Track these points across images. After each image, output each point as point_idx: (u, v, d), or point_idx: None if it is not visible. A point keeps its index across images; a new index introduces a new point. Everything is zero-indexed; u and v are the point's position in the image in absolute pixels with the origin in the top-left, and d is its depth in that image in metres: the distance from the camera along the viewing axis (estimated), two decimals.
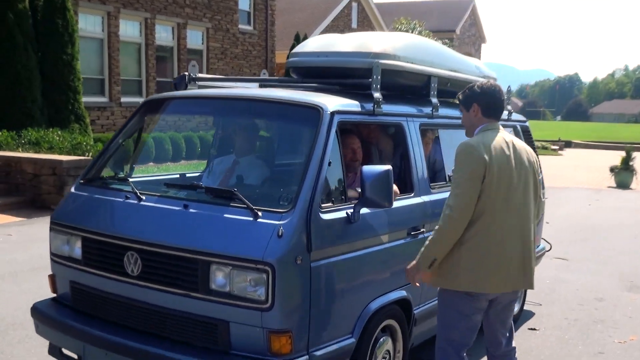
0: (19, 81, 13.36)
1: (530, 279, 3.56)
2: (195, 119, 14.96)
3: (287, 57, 4.66)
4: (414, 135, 4.57)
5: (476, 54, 41.72)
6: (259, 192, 3.96)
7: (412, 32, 26.16)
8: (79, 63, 15.06)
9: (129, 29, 18.74)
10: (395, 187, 4.16)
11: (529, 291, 6.78)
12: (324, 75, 4.51)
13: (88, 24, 17.54)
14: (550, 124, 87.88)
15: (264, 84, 4.95)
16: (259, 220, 3.34)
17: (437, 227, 3.43)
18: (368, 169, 3.72)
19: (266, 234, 3.24)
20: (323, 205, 3.52)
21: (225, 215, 3.45)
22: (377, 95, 4.21)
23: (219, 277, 3.29)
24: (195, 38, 21.88)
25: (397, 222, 4.18)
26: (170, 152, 16.20)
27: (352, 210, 3.71)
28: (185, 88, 4.68)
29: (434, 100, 4.79)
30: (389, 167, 3.72)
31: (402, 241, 4.21)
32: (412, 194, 4.48)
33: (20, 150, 12.12)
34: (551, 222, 12.29)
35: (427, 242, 3.52)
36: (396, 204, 3.97)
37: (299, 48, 4.63)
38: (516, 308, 6.10)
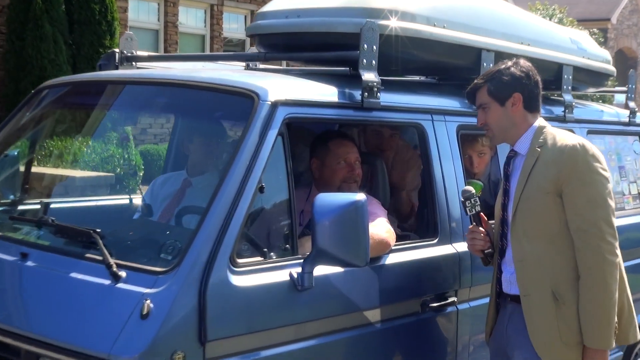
0: (45, 78, 13.05)
1: None
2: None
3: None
4: (444, 142, 3.42)
5: (639, 48, 38.75)
6: (150, 235, 2.97)
7: (549, 19, 24.21)
8: None
9: (191, 18, 18.32)
10: (385, 229, 3.03)
11: None
12: (297, 46, 3.40)
13: (141, 13, 17.22)
14: None
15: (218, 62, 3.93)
16: (119, 285, 2.46)
17: (594, 273, 2.82)
18: (323, 199, 2.57)
19: (123, 312, 2.38)
20: (239, 261, 2.55)
21: (73, 275, 2.58)
22: (369, 77, 2.99)
23: None
24: None
25: (401, 288, 3.10)
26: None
27: (299, 270, 2.62)
28: (116, 70, 3.72)
29: None
30: (361, 196, 2.60)
31: (410, 319, 3.14)
32: (436, 240, 3.28)
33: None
34: None
35: (588, 307, 2.83)
36: (397, 257, 3.07)
37: (266, 7, 3.47)
38: None
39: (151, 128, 13.32)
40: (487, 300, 3.28)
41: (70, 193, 4.36)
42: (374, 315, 2.95)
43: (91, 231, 2.59)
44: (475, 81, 3.04)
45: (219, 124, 3.14)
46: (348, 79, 3.16)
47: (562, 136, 2.94)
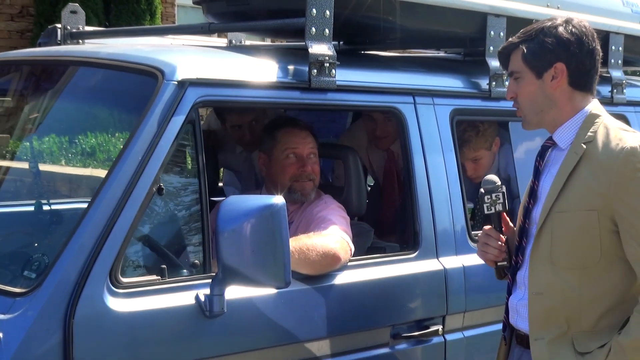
0: None
1: None
2: None
3: None
4: (430, 131, 3.11)
5: None
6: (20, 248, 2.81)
7: None
8: None
9: None
10: (335, 239, 2.75)
11: None
12: (245, 13, 3.18)
13: None
14: None
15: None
16: None
17: None
18: (230, 203, 2.36)
19: None
20: (125, 280, 2.34)
21: None
22: (319, 49, 2.73)
23: None
24: None
25: (361, 313, 2.81)
26: None
27: (207, 292, 2.38)
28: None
29: (493, 63, 3.29)
30: (278, 199, 2.32)
31: (375, 353, 2.86)
32: (415, 253, 2.98)
33: None
34: None
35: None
36: (357, 274, 2.79)
37: None
38: None
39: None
40: (490, 328, 2.98)
41: None
42: (320, 348, 2.67)
43: None
44: (510, 39, 2.62)
45: (116, 109, 2.91)
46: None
47: (617, 132, 2.44)
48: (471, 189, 3.55)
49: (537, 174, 2.55)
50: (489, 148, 3.58)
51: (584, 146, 2.42)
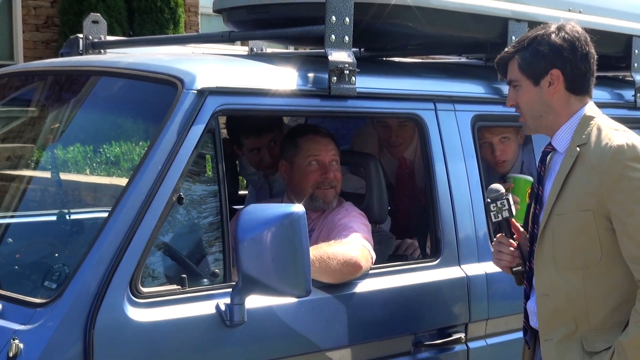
0: None
1: None
2: None
3: None
4: (452, 138, 3.08)
5: None
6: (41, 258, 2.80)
7: None
8: None
9: None
10: (356, 247, 2.72)
11: None
12: (265, 21, 3.13)
13: None
14: None
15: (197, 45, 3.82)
16: None
17: None
18: (250, 211, 2.33)
19: None
20: (146, 290, 2.32)
21: None
22: (339, 57, 2.73)
23: None
24: None
25: (383, 321, 2.78)
26: None
27: (228, 302, 2.36)
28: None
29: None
30: (298, 207, 2.28)
31: None
32: (437, 260, 2.94)
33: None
34: None
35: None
36: (379, 282, 2.76)
37: None
38: None
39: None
40: (513, 336, 2.93)
41: None
42: (341, 356, 2.65)
43: None
44: (506, 49, 2.65)
45: (137, 118, 2.91)
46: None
47: (608, 132, 2.46)
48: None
49: (541, 179, 2.58)
50: (517, 131, 3.52)
51: (578, 149, 2.45)
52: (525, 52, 2.54)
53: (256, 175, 3.69)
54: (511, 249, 2.60)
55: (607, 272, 2.41)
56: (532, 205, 2.60)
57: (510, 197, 2.57)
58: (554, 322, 2.46)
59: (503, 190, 2.59)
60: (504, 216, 2.56)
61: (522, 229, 2.65)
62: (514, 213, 2.58)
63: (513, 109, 2.67)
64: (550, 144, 2.58)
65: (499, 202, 2.56)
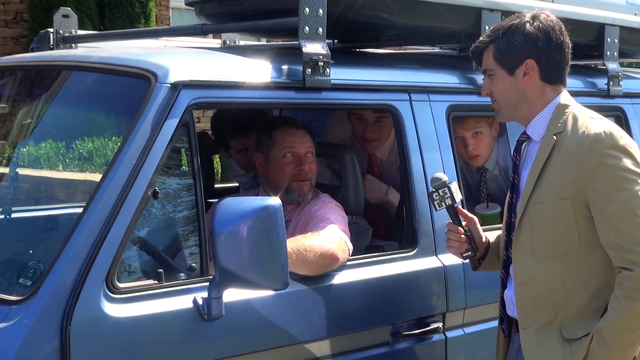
0: None
1: None
2: None
3: None
4: (427, 128, 3.09)
5: None
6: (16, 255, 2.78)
7: None
8: None
9: None
10: (333, 239, 2.73)
11: None
12: (238, 14, 3.11)
13: None
14: None
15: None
16: None
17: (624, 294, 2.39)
18: (226, 204, 2.32)
19: None
20: (122, 285, 2.31)
21: None
22: (313, 48, 2.74)
23: None
24: None
25: (361, 312, 2.79)
26: None
27: (205, 296, 2.36)
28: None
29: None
30: (275, 200, 2.29)
31: (377, 352, 2.85)
32: (414, 251, 2.96)
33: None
34: None
35: (607, 335, 2.40)
36: (356, 273, 2.78)
37: None
38: None
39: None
40: (490, 325, 2.94)
41: None
42: (320, 348, 2.65)
43: None
44: (481, 38, 2.65)
45: (110, 113, 2.89)
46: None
47: (585, 120, 2.47)
48: (473, 181, 3.55)
49: (516, 168, 2.60)
50: (491, 125, 3.53)
51: (555, 137, 2.46)
52: (500, 42, 2.54)
53: (245, 177, 3.68)
54: (459, 235, 2.64)
55: (586, 260, 2.43)
56: (508, 194, 2.62)
57: (453, 185, 2.60)
58: (532, 310, 2.48)
59: (445, 178, 2.61)
60: (447, 204, 2.60)
61: (470, 215, 2.70)
62: (457, 200, 2.60)
63: (488, 99, 2.68)
64: (525, 132, 2.59)
65: (440, 191, 2.59)
